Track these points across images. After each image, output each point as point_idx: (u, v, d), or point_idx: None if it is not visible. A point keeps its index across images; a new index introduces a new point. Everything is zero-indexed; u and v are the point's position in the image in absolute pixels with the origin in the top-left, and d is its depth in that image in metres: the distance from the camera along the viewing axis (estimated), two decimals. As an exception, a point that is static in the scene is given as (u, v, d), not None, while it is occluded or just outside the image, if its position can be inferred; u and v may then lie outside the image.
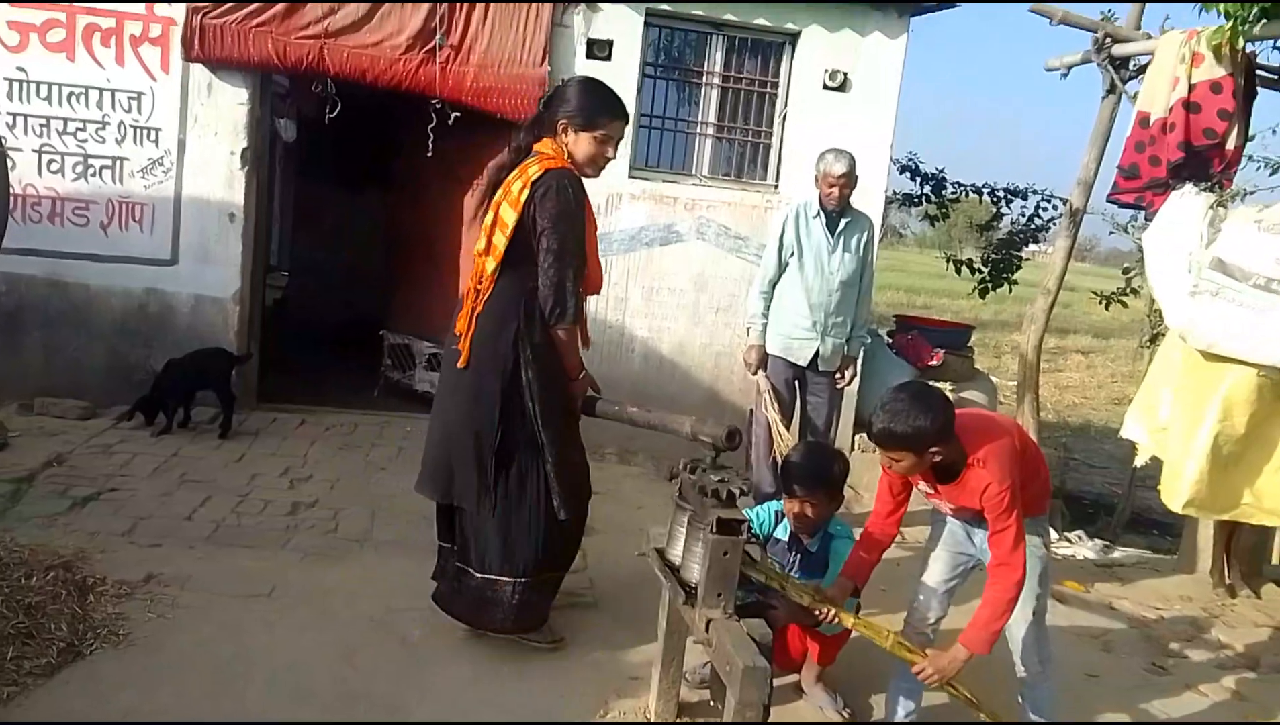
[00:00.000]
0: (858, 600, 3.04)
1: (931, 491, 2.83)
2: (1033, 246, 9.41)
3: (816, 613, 2.77)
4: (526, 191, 3.08)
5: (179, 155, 5.82)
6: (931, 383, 5.49)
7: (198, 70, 5.75)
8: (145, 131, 5.77)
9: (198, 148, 5.84)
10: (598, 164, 3.24)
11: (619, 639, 3.49)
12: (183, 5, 5.55)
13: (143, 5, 5.63)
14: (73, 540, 3.80)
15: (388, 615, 3.53)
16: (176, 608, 3.39)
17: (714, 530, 2.55)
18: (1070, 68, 4.69)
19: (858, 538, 3.05)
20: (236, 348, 5.87)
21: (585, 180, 3.24)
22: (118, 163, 5.76)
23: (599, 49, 6.04)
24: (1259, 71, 4.17)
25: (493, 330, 3.16)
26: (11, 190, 5.12)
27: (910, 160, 8.80)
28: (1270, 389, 3.56)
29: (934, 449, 2.62)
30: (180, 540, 4.00)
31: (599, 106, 3.20)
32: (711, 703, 2.95)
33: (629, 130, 6.06)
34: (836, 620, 2.77)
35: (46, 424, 5.33)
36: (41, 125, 5.65)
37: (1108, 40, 4.36)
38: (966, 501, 2.74)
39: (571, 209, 3.11)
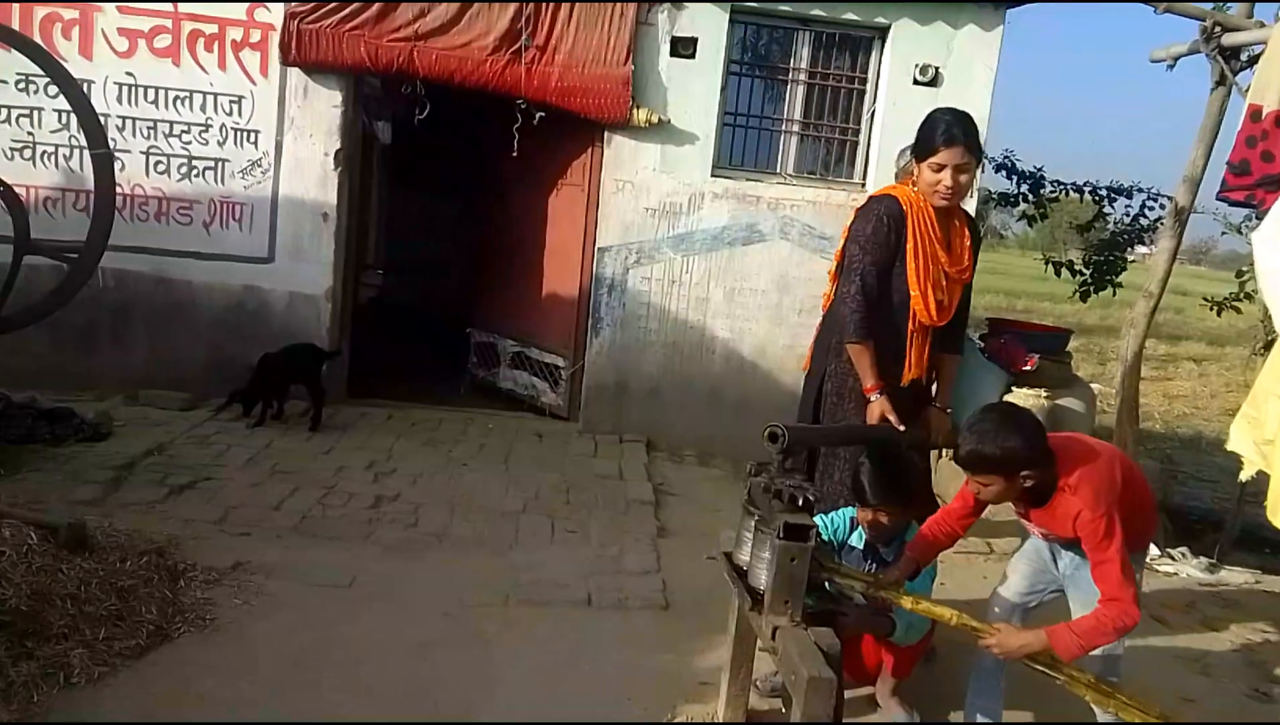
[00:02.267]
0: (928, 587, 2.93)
1: (1021, 511, 2.70)
2: (1140, 248, 8.98)
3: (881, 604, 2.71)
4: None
5: (276, 156, 6.03)
6: (1026, 388, 5.31)
7: (294, 74, 5.94)
8: (245, 134, 5.99)
9: (294, 149, 6.03)
10: (938, 191, 3.19)
11: (690, 643, 3.46)
12: (280, 10, 5.75)
13: (243, 10, 5.85)
14: (167, 527, 3.96)
15: (462, 611, 3.57)
16: (261, 595, 3.50)
17: (781, 535, 2.50)
18: (1177, 59, 4.45)
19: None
20: (328, 343, 6.04)
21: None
22: (219, 164, 6.00)
23: (683, 47, 6.01)
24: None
25: (819, 339, 3.47)
26: (120, 190, 5.38)
27: (1006, 158, 8.48)
28: (1391, 401, 3.30)
29: (1026, 473, 2.49)
30: (268, 529, 4.14)
31: (926, 136, 3.23)
32: (783, 710, 2.89)
33: (712, 128, 6.10)
34: (894, 602, 2.69)
35: (150, 414, 5.58)
36: (149, 128, 5.91)
37: (1217, 29, 4.12)
38: (1058, 529, 2.59)
39: (861, 228, 3.27)
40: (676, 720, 3.00)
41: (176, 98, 5.91)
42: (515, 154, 5.90)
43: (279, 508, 4.41)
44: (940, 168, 3.12)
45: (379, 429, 5.88)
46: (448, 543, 4.26)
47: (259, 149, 6.00)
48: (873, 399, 3.21)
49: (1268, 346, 4.82)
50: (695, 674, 3.26)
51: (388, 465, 5.16)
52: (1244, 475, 4.03)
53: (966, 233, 3.33)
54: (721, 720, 2.95)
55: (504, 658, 3.27)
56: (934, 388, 3.45)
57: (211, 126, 5.95)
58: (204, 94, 5.92)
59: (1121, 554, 2.45)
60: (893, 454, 3.08)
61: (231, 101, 5.94)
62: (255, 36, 5.88)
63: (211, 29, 5.86)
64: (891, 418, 3.16)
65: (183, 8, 5.82)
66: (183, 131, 5.94)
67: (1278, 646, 4.06)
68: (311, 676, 3.02)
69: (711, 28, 6.00)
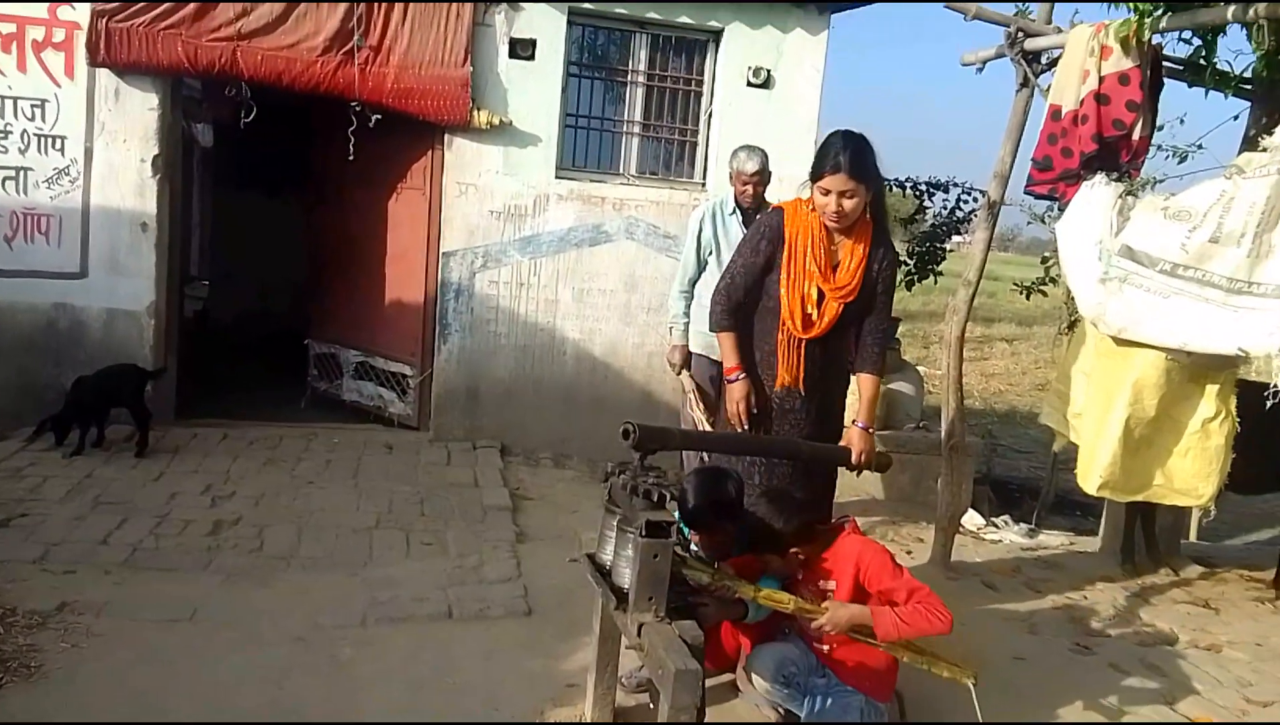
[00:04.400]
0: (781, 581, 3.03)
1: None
2: (956, 238, 9.58)
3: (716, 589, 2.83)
4: None
5: (86, 164, 5.60)
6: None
7: (104, 76, 5.54)
8: (50, 140, 5.54)
9: (106, 156, 5.62)
10: (825, 214, 3.22)
11: (554, 647, 3.46)
12: (87, 8, 5.35)
13: (45, 8, 5.41)
14: (-21, 570, 3.63)
15: (316, 634, 3.44)
16: (91, 636, 3.27)
17: (643, 533, 2.54)
18: (985, 62, 4.76)
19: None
20: (153, 361, 5.67)
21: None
22: (21, 173, 5.52)
23: (522, 48, 5.98)
24: (1165, 63, 4.30)
25: None
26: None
27: (836, 155, 8.88)
28: (1179, 372, 3.68)
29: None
30: (95, 566, 3.86)
31: (817, 159, 3.24)
32: (650, 706, 2.93)
33: (554, 130, 6.10)
34: (734, 594, 2.82)
35: (-51, 448, 5.09)
36: (-64, 135, 5.39)
37: (1020, 35, 4.44)
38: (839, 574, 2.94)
39: (747, 233, 3.57)
40: (546, 723, 3.00)
41: (-32, 102, 5.41)
42: (352, 157, 5.71)
43: (106, 541, 4.11)
44: (826, 192, 3.17)
45: (214, 450, 5.56)
46: (297, 565, 4.09)
47: (66, 156, 5.57)
48: (733, 379, 3.34)
49: (1072, 326, 5.25)
50: (561, 677, 3.26)
51: (225, 488, 4.90)
52: (1056, 446, 4.40)
53: (861, 255, 3.28)
54: (590, 720, 2.97)
55: (365, 679, 3.18)
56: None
57: (11, 133, 5.47)
58: (2, 98, 5.44)
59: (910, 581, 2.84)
60: (707, 471, 3.19)
61: (34, 106, 5.48)
62: (59, 36, 5.45)
63: (9, 28, 5.40)
64: (747, 399, 3.30)
65: (-27, 5, 5.33)
66: (-23, 138, 5.44)
67: (1093, 603, 4.44)
68: (155, 716, 2.84)
69: (549, 29, 6.00)
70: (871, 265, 3.33)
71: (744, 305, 3.37)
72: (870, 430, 3.37)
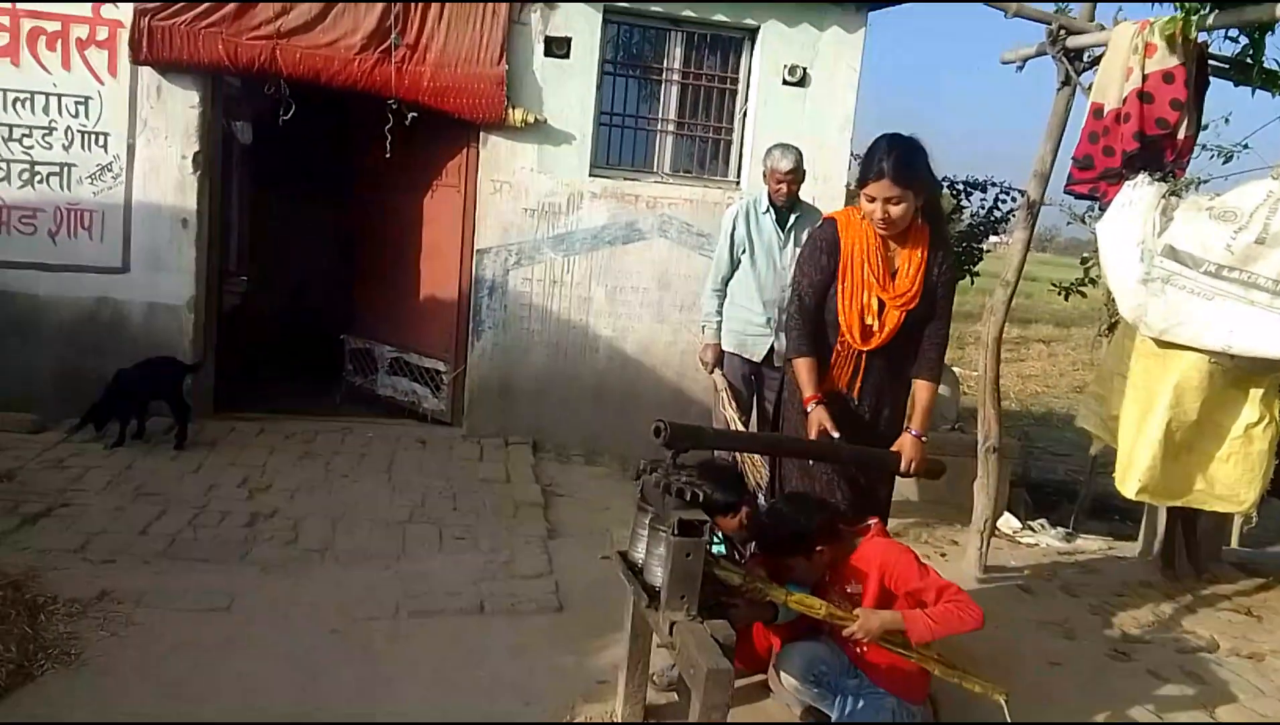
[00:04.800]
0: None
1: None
2: (994, 238, 9.46)
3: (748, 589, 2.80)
4: None
5: (128, 160, 5.70)
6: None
7: (146, 73, 5.64)
8: (93, 137, 5.64)
9: (148, 152, 5.72)
10: (873, 220, 3.14)
11: (585, 643, 3.46)
12: (130, 7, 5.43)
13: (89, 7, 5.51)
14: (23, 559, 3.70)
15: (350, 626, 3.47)
16: (130, 625, 3.31)
17: (676, 532, 2.53)
18: (1025, 60, 4.70)
19: None
20: (191, 355, 5.76)
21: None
22: (65, 169, 5.63)
23: (557, 47, 5.99)
24: (1210, 61, 4.21)
25: None
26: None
27: (872, 154, 8.82)
28: (1221, 376, 3.60)
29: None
30: (134, 556, 3.92)
31: (863, 166, 3.21)
32: (681, 703, 2.92)
33: (589, 128, 6.11)
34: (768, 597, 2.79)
35: (-5, 438, 5.20)
36: (-15, 132, 5.51)
37: (1061, 32, 4.37)
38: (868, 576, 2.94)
39: (804, 250, 3.44)
40: (576, 720, 3.00)
41: (16, 100, 5.52)
42: (388, 155, 5.76)
43: (146, 532, 4.18)
44: (872, 199, 3.09)
45: (250, 444, 5.64)
46: (331, 557, 4.13)
47: (109, 153, 5.66)
48: (810, 409, 3.23)
49: (1111, 328, 5.16)
50: (592, 673, 3.26)
51: (262, 481, 4.96)
52: (1093, 449, 4.33)
53: (920, 259, 3.19)
54: (620, 718, 2.97)
55: (396, 671, 3.20)
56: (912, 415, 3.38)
57: (56, 129, 5.58)
58: (47, 95, 5.55)
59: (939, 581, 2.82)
60: (719, 466, 3.21)
61: (77, 103, 5.59)
62: (102, 34, 5.54)
63: (54, 26, 5.50)
64: (829, 427, 3.17)
65: (21, 5, 5.43)
66: (24, 135, 5.55)
67: (1132, 608, 4.36)
68: (190, 706, 2.88)
69: (585, 27, 6.01)
70: (931, 269, 3.22)
71: (818, 327, 3.28)
72: (923, 438, 3.29)
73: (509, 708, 3.03)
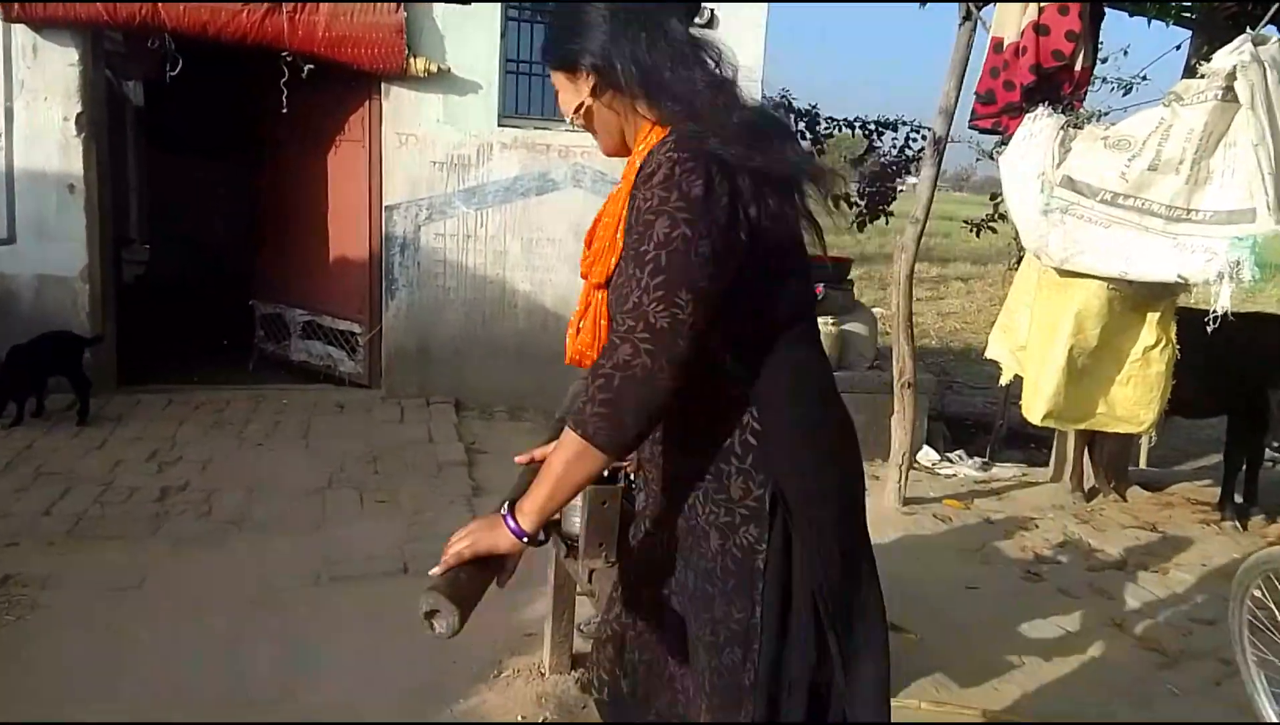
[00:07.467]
0: None
1: None
2: (910, 178, 9.59)
3: None
4: None
5: (7, 124, 5.38)
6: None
7: (20, 31, 5.31)
8: (-35, 101, 5.30)
9: (27, 116, 5.40)
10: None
11: (512, 597, 3.44)
12: (-5, -40, 5.08)
13: (-51, -39, 5.13)
14: (-86, 548, 3.53)
15: (270, 596, 3.40)
16: (36, 609, 3.20)
17: (591, 481, 2.51)
18: (928, -3, 4.74)
19: None
20: (90, 328, 5.51)
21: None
22: (-64, 136, 5.29)
23: (457, -8, 5.81)
24: (1105, -8, 4.29)
25: None
26: None
27: (784, 97, 8.80)
28: (1120, 302, 3.72)
29: None
30: (38, 537, 3.76)
31: None
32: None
33: (495, 76, 5.95)
34: None
35: (-121, 425, 4.92)
36: None
37: (961, -33, 4.40)
38: None
39: None
40: (504, 674, 3.00)
41: None
42: (285, 110, 5.53)
43: (49, 512, 4.02)
44: None
45: (158, 416, 5.44)
46: (248, 528, 4.02)
47: (-16, 117, 5.33)
48: None
49: (1020, 261, 5.28)
50: (519, 626, 3.26)
51: (172, 454, 4.80)
52: (1003, 380, 4.45)
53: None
54: (548, 666, 2.98)
55: (321, 638, 3.15)
56: None
57: (-78, 94, 5.23)
58: (-94, 56, 5.18)
59: None
60: None
61: (-56, 65, 5.23)
62: (-33, -10, 5.18)
63: (-89, -18, 5.12)
64: None
65: None
66: (-116, 100, 5.18)
67: (1044, 531, 4.53)
68: (105, 688, 2.79)
69: (485, -28, 5.83)
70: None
71: None
72: None
73: (436, 665, 3.01)
